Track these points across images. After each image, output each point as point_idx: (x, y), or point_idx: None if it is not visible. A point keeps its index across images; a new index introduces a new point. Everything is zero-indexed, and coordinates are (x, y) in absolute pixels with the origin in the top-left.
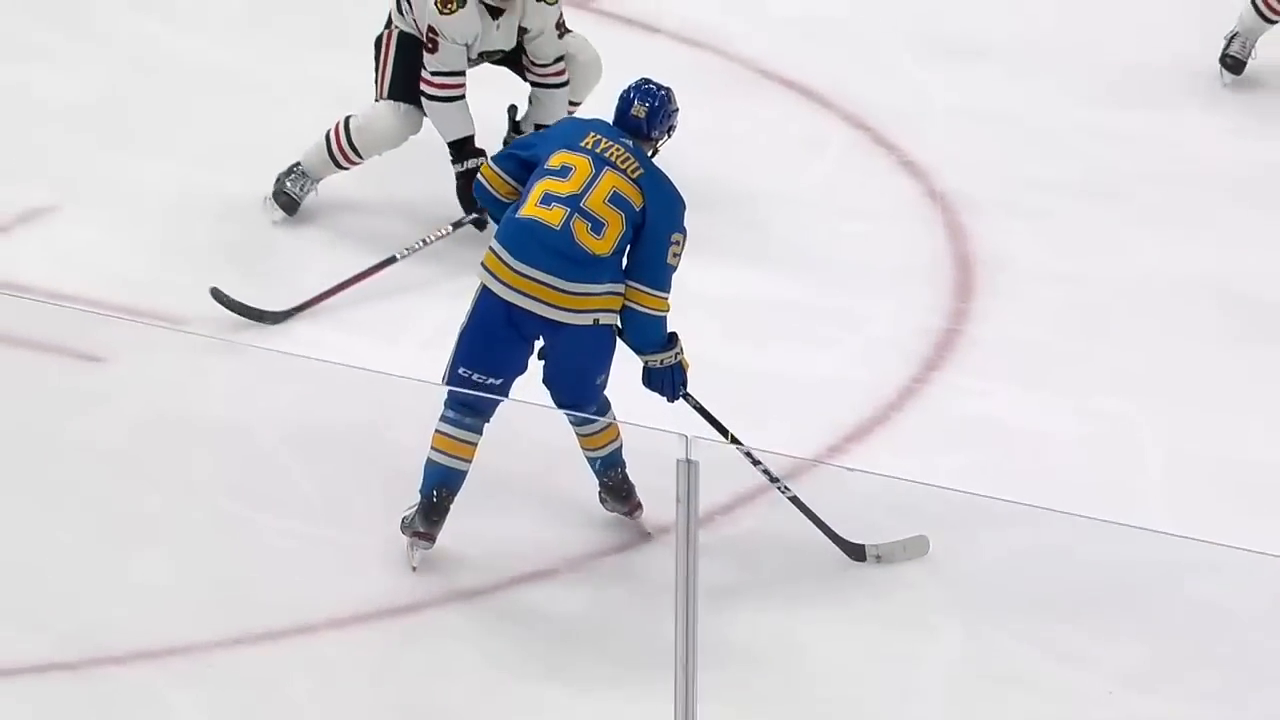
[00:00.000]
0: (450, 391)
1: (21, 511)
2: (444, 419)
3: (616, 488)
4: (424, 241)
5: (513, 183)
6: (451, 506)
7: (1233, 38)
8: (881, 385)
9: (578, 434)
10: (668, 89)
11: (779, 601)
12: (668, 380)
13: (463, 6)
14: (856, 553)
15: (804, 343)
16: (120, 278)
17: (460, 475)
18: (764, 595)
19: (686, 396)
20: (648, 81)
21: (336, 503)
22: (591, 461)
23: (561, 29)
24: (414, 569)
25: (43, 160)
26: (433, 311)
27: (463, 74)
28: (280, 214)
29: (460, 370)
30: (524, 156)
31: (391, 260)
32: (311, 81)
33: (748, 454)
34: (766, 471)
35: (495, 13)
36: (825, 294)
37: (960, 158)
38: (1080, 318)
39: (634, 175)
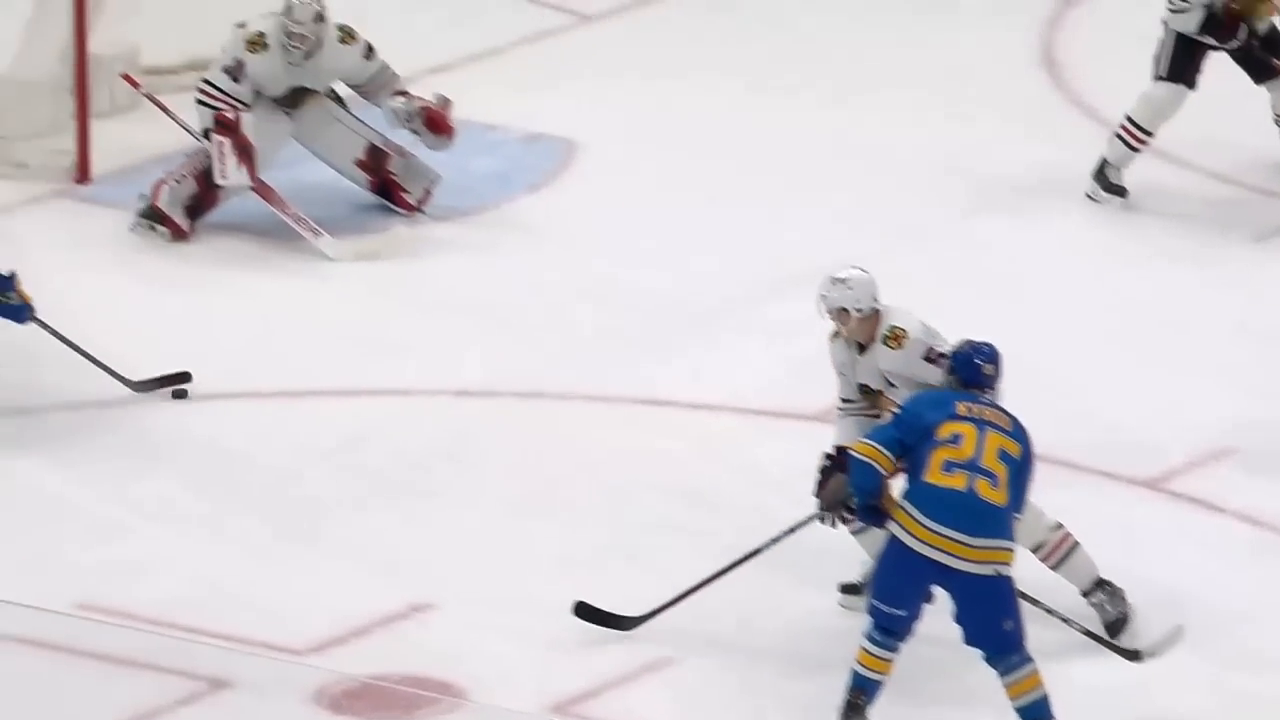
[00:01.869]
0: (873, 616)
1: None
2: (868, 637)
3: None
4: (773, 540)
5: (897, 462)
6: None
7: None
8: None
9: (1001, 681)
10: (993, 344)
11: None
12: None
13: (835, 339)
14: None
15: None
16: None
17: (878, 685)
18: None
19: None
20: (975, 342)
21: None
22: (1017, 710)
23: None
24: None
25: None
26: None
27: (850, 400)
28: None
29: (874, 601)
30: (909, 441)
31: (756, 552)
32: None
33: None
34: None
35: (860, 348)
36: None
37: None
38: None
39: (1009, 429)
